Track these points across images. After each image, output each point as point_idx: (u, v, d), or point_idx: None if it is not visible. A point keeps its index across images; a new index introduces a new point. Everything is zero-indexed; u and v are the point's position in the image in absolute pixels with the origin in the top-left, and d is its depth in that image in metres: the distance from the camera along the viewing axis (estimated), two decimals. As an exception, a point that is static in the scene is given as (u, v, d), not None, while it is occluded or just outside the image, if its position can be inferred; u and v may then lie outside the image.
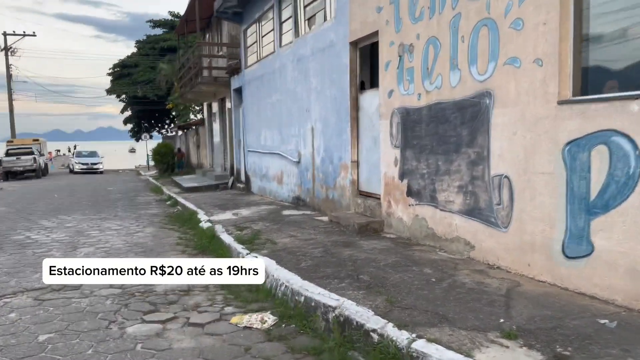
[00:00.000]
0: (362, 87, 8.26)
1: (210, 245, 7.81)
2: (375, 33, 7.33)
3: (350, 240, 6.89)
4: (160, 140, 54.45)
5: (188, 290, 5.77)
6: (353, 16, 7.91)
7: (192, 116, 37.17)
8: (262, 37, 12.99)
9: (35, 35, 38.73)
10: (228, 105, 17.88)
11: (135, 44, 49.34)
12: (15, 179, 29.17)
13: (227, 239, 7.68)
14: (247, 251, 6.62)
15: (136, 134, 50.83)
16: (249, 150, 14.67)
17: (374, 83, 8.38)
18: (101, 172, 34.57)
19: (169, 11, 50.45)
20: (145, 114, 49.62)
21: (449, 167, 5.74)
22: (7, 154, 30.14)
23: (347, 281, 4.91)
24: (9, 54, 37.49)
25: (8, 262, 7.18)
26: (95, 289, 5.88)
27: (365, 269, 5.33)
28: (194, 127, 24.72)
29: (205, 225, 9.32)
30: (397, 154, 6.80)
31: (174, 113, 43.52)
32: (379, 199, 7.43)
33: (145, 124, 51.21)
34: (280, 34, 11.49)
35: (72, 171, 35.34)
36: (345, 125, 8.35)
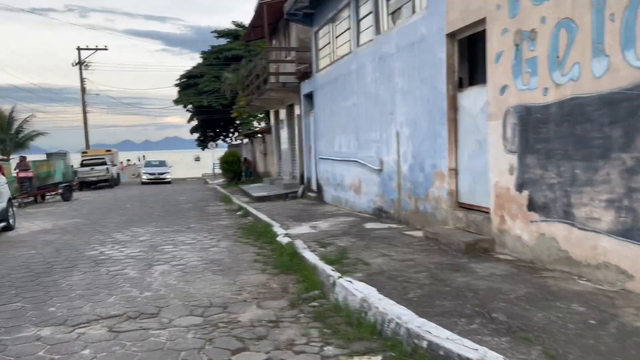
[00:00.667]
0: (460, 85, 7.27)
1: (293, 264, 7.06)
2: (481, 21, 6.35)
3: (458, 263, 5.91)
4: (225, 149, 55.41)
5: (276, 320, 5.02)
6: (451, 5, 6.96)
7: (255, 124, 37.20)
8: (336, 37, 12.25)
9: (107, 49, 40.17)
10: (297, 111, 17.29)
11: (201, 54, 50.30)
12: (90, 188, 30.09)
13: (311, 257, 6.90)
14: (338, 274, 5.80)
15: (202, 143, 51.77)
16: (320, 158, 13.95)
17: (474, 79, 7.38)
18: (169, 182, 33.73)
19: (233, 21, 51.48)
20: (211, 123, 50.42)
21: (593, 177, 4.66)
22: (82, 165, 31.18)
23: (478, 321, 3.96)
24: (83, 67, 39.03)
25: (82, 283, 6.74)
26: (174, 316, 5.25)
27: (494, 303, 4.36)
28: (260, 135, 24.44)
29: (283, 240, 8.62)
30: (513, 160, 5.78)
31: (238, 122, 43.95)
32: (487, 212, 6.41)
33: (211, 133, 52.08)
34: (358, 33, 10.68)
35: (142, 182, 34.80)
36: (441, 128, 7.39)
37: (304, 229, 9.67)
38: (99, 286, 6.55)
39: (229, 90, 41.16)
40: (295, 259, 7.26)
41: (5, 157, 25.58)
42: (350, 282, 5.42)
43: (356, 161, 11.09)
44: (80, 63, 39.22)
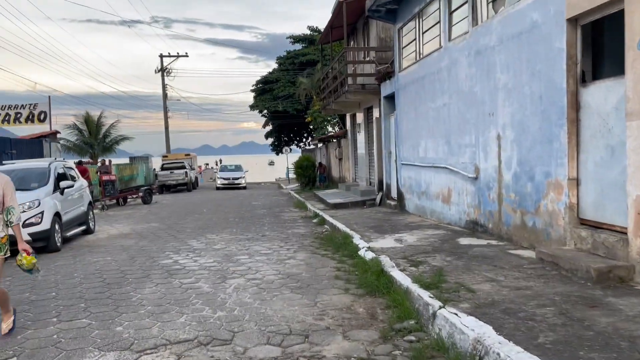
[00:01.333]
0: (583, 79, 6.11)
1: (380, 285, 6.20)
2: (617, 0, 5.21)
3: (592, 296, 4.80)
4: (298, 154, 55.55)
5: (368, 359, 4.20)
6: (573, -17, 5.84)
7: (330, 129, 36.71)
8: (423, 33, 11.28)
9: (187, 56, 41.34)
10: (375, 114, 16.42)
11: (276, 60, 50.75)
12: (169, 192, 30.83)
13: (402, 278, 6.01)
14: (439, 302, 4.88)
15: (276, 148, 52.17)
16: (403, 164, 12.98)
17: (599, 72, 6.20)
18: (244, 188, 32.15)
19: (308, 26, 51.41)
20: (285, 128, 50.72)
21: None
22: (162, 168, 32.04)
23: (653, 389, 2.93)
24: (164, 74, 40.34)
25: (153, 297, 6.27)
26: (250, 344, 4.57)
27: (665, 360, 3.28)
28: (335, 139, 23.80)
29: (366, 254, 7.79)
30: (665, 169, 4.60)
31: (311, 126, 43.75)
32: (623, 233, 5.23)
33: (285, 138, 52.37)
34: (450, 26, 9.67)
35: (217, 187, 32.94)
36: (558, 131, 6.25)
37: (388, 242, 8.78)
38: (171, 301, 6.04)
39: (304, 95, 41.05)
40: (383, 278, 6.39)
41: (91, 161, 26.66)
42: (456, 314, 4.49)
43: (446, 167, 10.05)
44: (163, 69, 40.61)
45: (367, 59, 16.83)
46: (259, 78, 50.73)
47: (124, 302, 6.08)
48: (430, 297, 5.11)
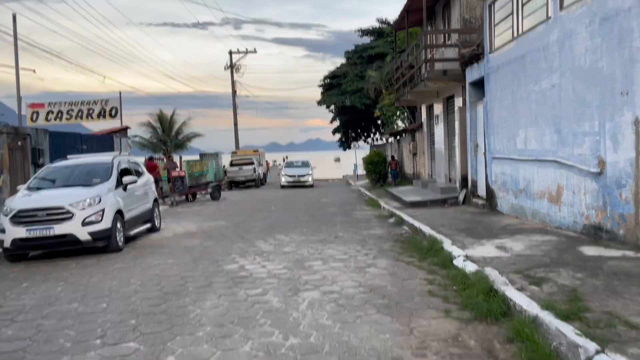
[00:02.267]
0: None
1: (492, 308, 4.88)
2: None
3: None
4: (365, 150, 54.12)
5: None
6: None
7: (400, 123, 35.13)
8: (523, 5, 9.68)
9: (255, 52, 41.11)
10: (458, 103, 14.85)
11: (344, 54, 49.62)
12: (238, 188, 30.53)
13: (524, 302, 4.65)
14: (594, 345, 3.51)
15: (344, 144, 51.10)
16: (494, 157, 11.42)
17: None
18: (310, 186, 28.25)
19: (377, 18, 49.84)
20: (353, 123, 49.56)
21: None
22: (231, 165, 31.82)
23: None
24: (234, 70, 40.31)
25: (214, 314, 5.29)
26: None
27: None
28: (409, 133, 22.31)
29: (465, 265, 6.46)
30: None
31: (379, 121, 42.26)
32: None
33: (352, 134, 51.19)
34: (561, -9, 8.06)
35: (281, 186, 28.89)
36: None
37: (489, 249, 7.38)
38: (234, 321, 5.03)
39: (373, 89, 39.63)
40: (494, 298, 5.07)
41: (162, 157, 26.74)
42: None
43: (554, 161, 8.46)
44: (232, 66, 40.59)
45: (449, 42, 15.27)
46: (326, 73, 49.88)
47: (180, 319, 5.14)
48: (576, 333, 3.75)
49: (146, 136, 35.61)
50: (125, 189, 10.11)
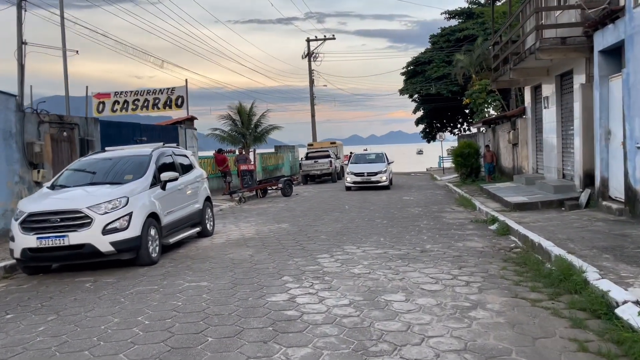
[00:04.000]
0: None
1: None
2: None
3: None
4: (450, 143, 50.38)
5: None
6: None
7: (492, 111, 31.59)
8: None
9: (334, 39, 39.06)
10: (579, 80, 11.79)
11: (429, 38, 46.28)
12: (314, 182, 28.67)
13: None
14: None
15: (428, 135, 47.89)
16: (639, 147, 8.45)
17: None
18: (386, 187, 20.72)
19: (466, -2, 45.79)
20: (437, 112, 46.24)
21: None
22: (307, 157, 30.06)
23: None
24: (311, 59, 38.57)
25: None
26: None
27: None
28: (507, 120, 19.17)
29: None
30: None
31: (468, 109, 38.73)
32: None
33: (437, 124, 47.85)
34: None
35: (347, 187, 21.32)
36: None
37: (670, 291, 4.71)
38: None
39: (461, 74, 36.25)
40: None
41: (229, 150, 25.43)
42: None
43: None
44: (310, 54, 38.87)
45: (566, 4, 12.18)
46: (410, 59, 46.76)
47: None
48: None
49: (226, 129, 35.07)
50: (164, 187, 8.36)
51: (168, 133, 16.75)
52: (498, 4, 34.14)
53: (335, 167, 29.71)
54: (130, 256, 7.32)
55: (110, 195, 7.29)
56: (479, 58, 34.54)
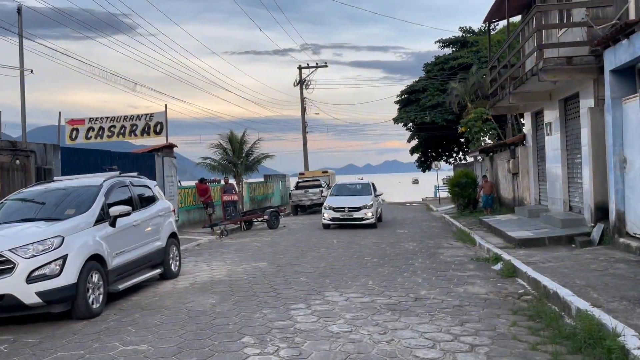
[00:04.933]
0: None
1: None
2: None
3: None
4: (446, 172, 49.36)
5: None
6: None
7: (487, 140, 30.72)
8: None
9: (326, 66, 38.45)
10: (586, 103, 10.78)
11: (423, 67, 45.82)
12: (305, 212, 27.42)
13: None
14: None
15: (423, 164, 46.97)
16: (664, 178, 7.34)
17: None
18: (371, 226, 16.73)
19: (460, 27, 45.71)
20: (432, 141, 45.45)
21: None
22: (297, 187, 28.91)
23: None
24: (303, 87, 37.86)
25: None
26: None
27: None
28: (506, 148, 18.14)
29: None
30: None
31: (463, 138, 37.91)
32: None
33: (432, 153, 47.01)
34: None
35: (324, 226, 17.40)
36: None
37: None
38: None
39: (456, 103, 35.56)
40: None
41: (214, 179, 24.26)
42: None
43: None
44: (301, 82, 38.16)
45: (570, 21, 11.25)
46: (404, 88, 46.19)
47: None
48: None
49: (217, 157, 34.02)
50: (113, 223, 7.14)
51: (143, 161, 15.60)
52: (493, 32, 33.78)
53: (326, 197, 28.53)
54: (63, 308, 6.05)
55: (42, 234, 6.07)
56: (474, 86, 33.89)
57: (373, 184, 19.41)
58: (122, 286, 7.16)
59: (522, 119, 31.78)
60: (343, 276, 8.63)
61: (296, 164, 39.12)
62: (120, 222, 7.27)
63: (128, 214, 7.32)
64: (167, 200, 9.67)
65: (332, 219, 16.91)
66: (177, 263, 9.22)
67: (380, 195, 19.51)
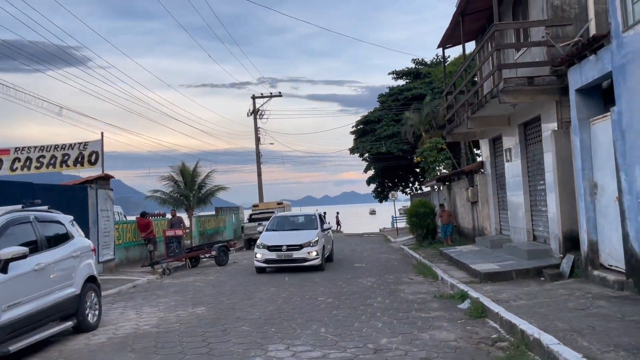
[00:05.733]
0: None
1: None
2: None
3: None
4: (402, 203, 49.04)
5: None
6: None
7: (443, 170, 30.49)
8: None
9: (281, 96, 37.79)
10: (549, 126, 10.22)
11: (378, 98, 45.91)
12: (258, 247, 25.98)
13: None
14: None
15: (379, 194, 46.56)
16: (643, 204, 6.66)
17: None
18: (317, 268, 13.59)
19: (413, 59, 46.22)
20: (388, 172, 45.26)
21: None
22: (250, 219, 27.58)
23: None
24: (257, 116, 36.96)
25: None
26: None
27: None
28: (465, 176, 17.60)
29: None
30: None
31: (419, 168, 37.74)
32: None
33: (389, 183, 46.76)
34: None
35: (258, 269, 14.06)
36: None
37: None
38: None
39: (411, 133, 35.48)
40: None
41: (159, 213, 22.68)
42: None
43: None
44: (255, 112, 37.23)
45: (528, 41, 10.79)
46: (359, 118, 46.04)
47: None
48: None
49: (167, 190, 32.26)
50: (4, 269, 5.77)
51: (73, 194, 14.05)
52: (446, 64, 34.11)
53: (282, 229, 27.24)
54: None
55: None
56: (428, 116, 33.93)
57: (321, 215, 16.55)
58: (14, 347, 5.73)
59: (475, 149, 31.94)
60: (292, 322, 7.47)
61: (253, 196, 37.74)
62: (14, 266, 5.90)
63: (24, 256, 5.96)
64: (87, 239, 8.28)
65: (267, 261, 13.62)
66: (97, 312, 7.80)
67: (329, 229, 16.29)
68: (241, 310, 8.62)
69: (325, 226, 15.45)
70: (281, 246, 13.58)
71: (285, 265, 13.55)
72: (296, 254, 13.43)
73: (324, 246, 14.16)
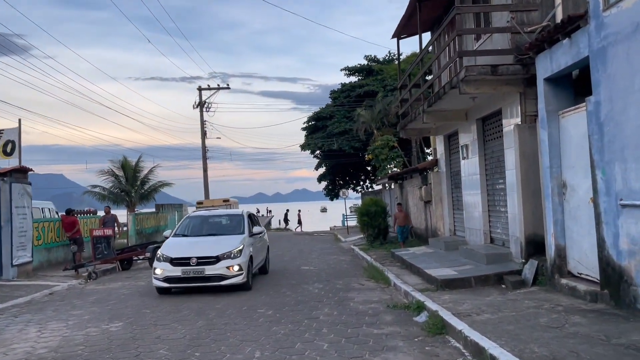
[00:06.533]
0: None
1: None
2: None
3: None
4: (354, 201, 48.46)
5: None
6: None
7: (394, 168, 29.90)
8: None
9: (229, 88, 36.19)
10: (511, 120, 9.47)
11: (330, 94, 45.03)
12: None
13: None
14: None
15: (330, 192, 45.76)
16: (624, 205, 5.88)
17: None
18: (242, 287, 10.13)
19: (365, 55, 45.57)
20: (340, 169, 44.58)
21: None
22: (193, 218, 25.85)
23: None
24: (204, 109, 35.24)
25: None
26: None
27: None
28: (418, 174, 16.83)
29: None
30: None
31: (370, 166, 37.18)
32: None
33: (340, 181, 46.06)
34: None
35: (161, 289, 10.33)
36: None
37: None
38: None
39: (363, 130, 34.84)
40: None
41: (89, 210, 20.79)
42: None
43: None
44: (201, 104, 35.47)
45: (492, 26, 10.00)
46: (311, 114, 45.07)
47: None
48: None
49: (107, 186, 30.08)
50: None
51: (-20, 188, 12.20)
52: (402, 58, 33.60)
53: (227, 228, 25.75)
54: None
55: None
56: (380, 113, 33.36)
57: (251, 216, 12.66)
58: None
59: (427, 148, 31.57)
60: (222, 342, 6.27)
61: (201, 193, 35.96)
62: None
63: None
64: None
65: (168, 280, 10.01)
66: (-23, 334, 6.29)
67: (261, 234, 12.26)
68: (164, 327, 7.32)
69: (256, 229, 11.93)
70: (189, 258, 9.96)
71: (194, 285, 10.08)
72: (210, 270, 9.89)
73: (251, 257, 10.67)
